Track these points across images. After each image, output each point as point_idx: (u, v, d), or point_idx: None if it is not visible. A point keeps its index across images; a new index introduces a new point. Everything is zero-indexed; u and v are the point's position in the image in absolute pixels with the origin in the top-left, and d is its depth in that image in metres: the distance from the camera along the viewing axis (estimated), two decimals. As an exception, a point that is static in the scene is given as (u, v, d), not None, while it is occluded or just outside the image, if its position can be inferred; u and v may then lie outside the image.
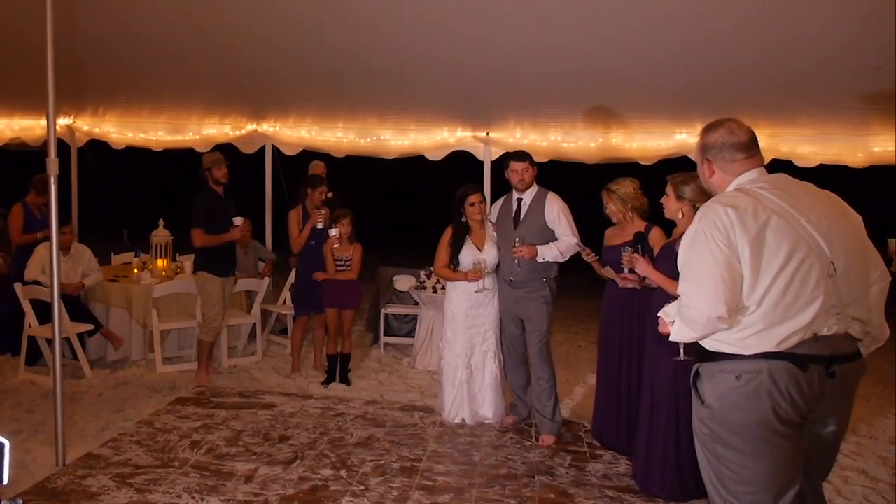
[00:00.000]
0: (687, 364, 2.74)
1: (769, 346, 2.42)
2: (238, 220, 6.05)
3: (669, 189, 4.18)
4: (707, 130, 2.73)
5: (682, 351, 2.87)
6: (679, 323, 2.57)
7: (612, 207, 4.77)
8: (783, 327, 2.41)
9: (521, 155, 5.17)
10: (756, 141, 2.67)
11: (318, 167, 7.54)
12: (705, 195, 4.06)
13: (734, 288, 2.41)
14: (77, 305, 6.47)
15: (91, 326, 6.43)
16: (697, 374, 2.62)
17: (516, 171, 5.11)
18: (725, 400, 2.50)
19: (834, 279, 2.44)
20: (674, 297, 3.93)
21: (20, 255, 6.73)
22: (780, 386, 2.41)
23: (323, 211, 6.24)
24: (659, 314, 2.76)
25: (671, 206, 4.17)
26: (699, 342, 2.57)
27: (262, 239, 8.51)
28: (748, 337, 2.44)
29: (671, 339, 2.66)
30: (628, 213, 4.74)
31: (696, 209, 4.07)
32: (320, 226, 6.22)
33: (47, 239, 6.21)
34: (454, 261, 5.21)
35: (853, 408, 2.67)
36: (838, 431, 2.58)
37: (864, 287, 2.53)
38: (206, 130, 8.62)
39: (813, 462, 2.59)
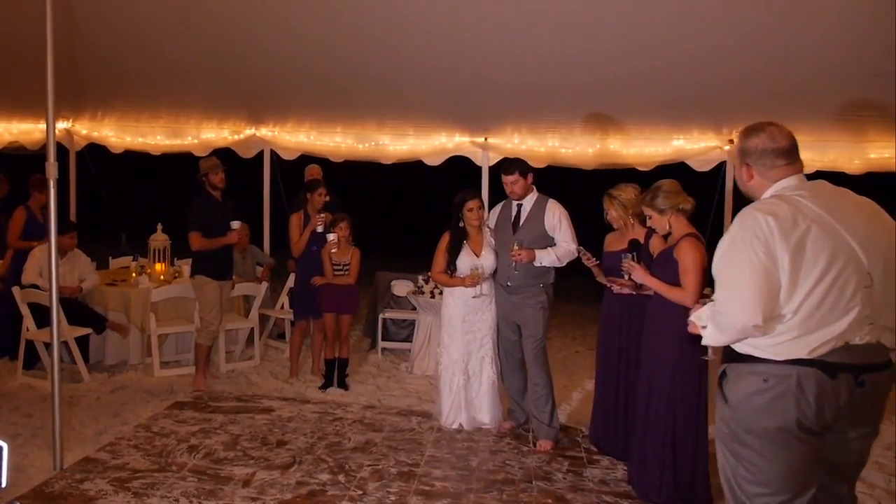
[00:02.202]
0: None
1: (801, 353, 2.42)
2: (235, 224, 6.06)
3: (647, 211, 4.24)
4: (748, 134, 2.68)
5: (710, 351, 2.88)
6: (712, 328, 2.57)
7: (612, 213, 4.79)
8: (816, 335, 2.41)
9: (509, 168, 5.10)
10: (797, 147, 2.64)
11: (313, 171, 7.55)
12: (676, 197, 4.12)
13: (771, 297, 2.40)
14: (77, 308, 6.47)
15: (89, 330, 6.43)
16: (724, 374, 2.62)
17: (505, 183, 5.11)
18: (749, 402, 2.50)
19: (870, 289, 2.43)
20: (670, 302, 3.99)
21: (16, 259, 6.71)
22: (806, 393, 2.42)
23: (323, 215, 6.25)
24: (691, 317, 2.76)
25: (658, 223, 4.22)
26: (732, 346, 2.58)
27: (260, 244, 8.51)
28: (781, 343, 2.44)
29: (704, 342, 2.66)
30: (629, 220, 4.75)
31: (680, 211, 4.12)
32: (320, 229, 6.23)
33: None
34: (451, 266, 5.22)
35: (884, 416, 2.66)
36: (866, 440, 2.57)
37: None
38: (204, 135, 8.62)
39: (838, 470, 2.58)
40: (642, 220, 4.77)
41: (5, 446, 1.83)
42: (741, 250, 2.45)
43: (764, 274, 2.40)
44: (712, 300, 2.60)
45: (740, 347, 2.55)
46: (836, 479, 2.62)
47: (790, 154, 2.62)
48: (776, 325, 2.44)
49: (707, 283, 3.99)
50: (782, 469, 2.48)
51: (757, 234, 2.42)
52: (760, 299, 2.39)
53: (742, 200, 2.75)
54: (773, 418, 2.45)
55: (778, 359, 2.45)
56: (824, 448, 2.55)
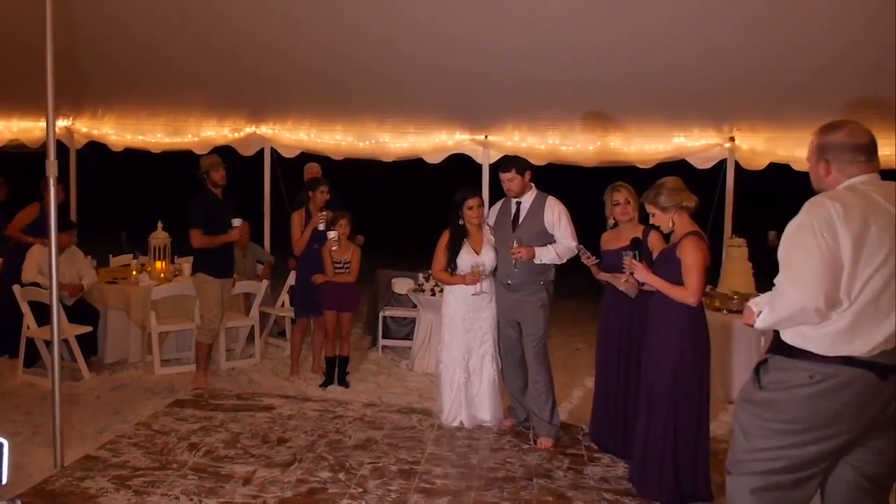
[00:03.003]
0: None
1: (853, 350, 2.43)
2: (236, 222, 6.05)
3: (650, 209, 4.22)
4: (827, 131, 2.68)
5: (762, 345, 2.90)
6: (768, 311, 2.57)
7: (623, 200, 4.78)
8: (869, 333, 2.42)
9: (506, 165, 5.12)
10: (876, 145, 2.65)
11: (312, 169, 7.55)
12: (680, 194, 4.11)
13: (835, 281, 2.41)
14: (78, 306, 6.47)
15: (90, 328, 6.43)
16: (766, 362, 2.63)
17: (503, 181, 5.12)
18: (789, 393, 2.51)
19: None
20: (672, 301, 3.99)
21: (13, 255, 6.70)
22: (852, 393, 2.43)
23: (325, 213, 6.25)
24: (749, 304, 2.77)
25: (661, 220, 4.20)
26: (780, 337, 2.58)
27: (260, 242, 8.51)
28: (832, 335, 2.45)
29: (756, 326, 2.66)
30: (636, 214, 4.77)
31: (683, 209, 4.10)
32: (321, 227, 6.23)
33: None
34: (452, 264, 5.22)
35: None
36: None
37: None
38: (204, 132, 8.62)
39: (867, 471, 2.59)
40: (643, 217, 4.77)
41: (6, 443, 1.83)
42: (807, 234, 2.46)
43: (831, 257, 2.42)
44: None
45: (790, 338, 2.54)
46: (872, 478, 2.61)
47: (870, 151, 2.62)
48: (833, 312, 2.44)
49: (710, 282, 3.98)
50: (793, 457, 2.51)
51: (825, 219, 2.44)
52: (824, 282, 2.40)
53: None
54: (813, 413, 2.46)
55: (827, 354, 2.45)
56: (856, 451, 2.55)
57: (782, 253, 2.55)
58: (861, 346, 2.42)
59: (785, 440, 2.52)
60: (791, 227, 2.55)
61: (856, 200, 2.48)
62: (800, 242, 2.49)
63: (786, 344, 2.56)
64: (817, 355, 2.47)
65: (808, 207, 2.53)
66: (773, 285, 2.59)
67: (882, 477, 2.64)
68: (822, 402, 2.45)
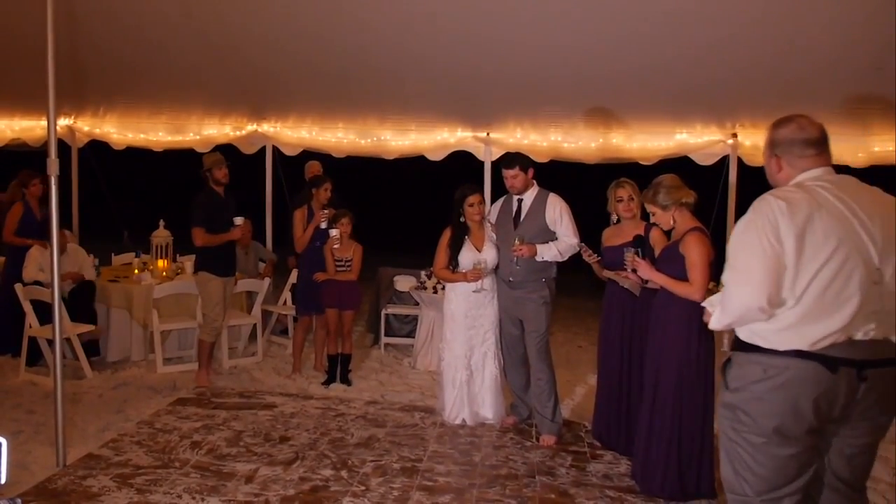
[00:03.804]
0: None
1: (802, 344, 2.43)
2: (239, 220, 6.04)
3: (650, 208, 4.21)
4: (777, 126, 2.70)
5: (725, 342, 2.93)
6: (719, 311, 2.60)
7: (627, 196, 4.78)
8: (818, 326, 2.42)
9: (510, 162, 5.10)
10: (827, 139, 2.65)
11: (314, 167, 7.54)
12: (678, 192, 4.10)
13: (777, 280, 2.42)
14: (79, 304, 6.47)
15: (92, 327, 6.44)
16: (729, 360, 2.65)
17: (506, 177, 5.11)
18: (748, 390, 2.53)
19: (878, 287, 2.44)
20: (677, 298, 3.98)
21: (14, 255, 6.70)
22: (805, 386, 2.43)
23: (327, 211, 6.25)
24: (703, 304, 2.80)
25: (662, 218, 4.19)
26: (737, 334, 2.60)
27: (262, 240, 8.51)
28: (782, 331, 2.46)
29: (710, 326, 2.69)
30: (638, 210, 4.76)
31: (683, 205, 4.09)
32: (324, 225, 6.22)
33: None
34: (453, 262, 5.21)
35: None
36: (869, 437, 2.57)
37: None
38: (206, 131, 8.62)
39: (843, 468, 2.58)
40: (644, 214, 4.77)
41: (5, 442, 1.82)
42: (751, 233, 2.47)
43: (771, 256, 2.42)
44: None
45: (745, 335, 2.56)
46: (844, 477, 2.60)
47: (819, 145, 2.62)
48: (779, 310, 2.45)
49: (713, 278, 3.97)
50: (777, 459, 2.49)
51: (768, 218, 2.45)
52: (766, 281, 2.42)
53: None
54: (770, 408, 2.47)
55: (779, 349, 2.46)
56: (827, 444, 2.55)
57: (729, 251, 2.58)
58: (810, 340, 2.42)
59: (760, 450, 2.52)
60: (739, 226, 2.58)
61: (801, 197, 2.49)
62: (744, 241, 2.51)
63: (742, 341, 2.59)
64: (769, 350, 2.48)
65: (754, 206, 2.55)
66: (722, 284, 2.62)
67: (854, 480, 2.64)
68: (778, 398, 2.46)
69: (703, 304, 2.80)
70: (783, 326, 2.45)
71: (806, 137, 2.61)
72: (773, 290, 2.41)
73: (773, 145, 2.69)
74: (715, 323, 2.65)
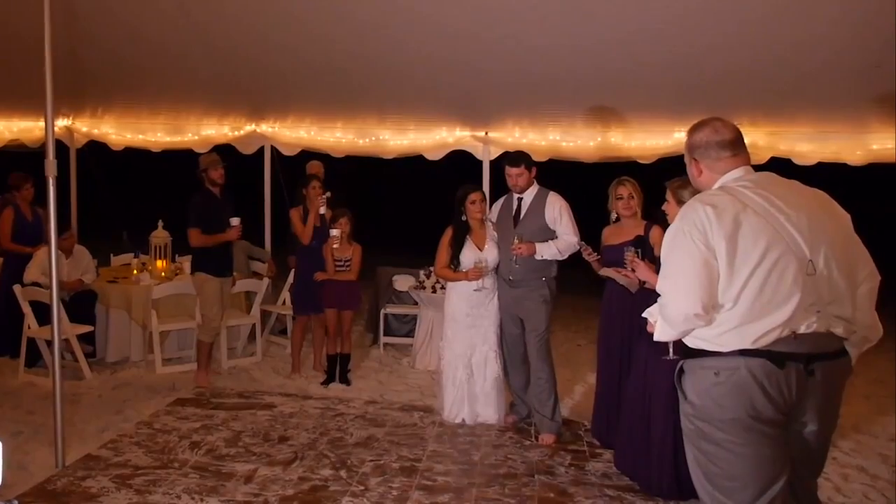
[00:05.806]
0: (675, 363, 2.75)
1: (745, 343, 2.43)
2: (235, 221, 6.04)
3: (669, 196, 4.17)
4: (693, 130, 2.75)
5: (671, 350, 2.90)
6: (661, 322, 2.61)
7: (629, 194, 4.77)
8: (759, 324, 2.42)
9: (515, 160, 5.12)
10: (742, 139, 2.68)
11: (314, 167, 7.53)
12: None
13: (710, 286, 2.44)
14: (79, 306, 6.47)
15: (91, 328, 6.43)
16: (682, 370, 2.64)
17: (510, 175, 5.11)
18: (706, 396, 2.52)
19: (813, 278, 2.44)
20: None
21: (14, 257, 6.69)
22: (757, 383, 2.43)
23: (327, 195, 6.25)
24: (644, 314, 2.80)
25: (672, 209, 4.16)
26: (683, 341, 2.59)
27: (261, 240, 8.49)
28: (724, 333, 2.46)
29: (655, 338, 2.69)
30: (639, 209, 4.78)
31: None
32: (322, 210, 6.23)
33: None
34: (455, 261, 5.21)
35: (842, 406, 2.67)
36: (822, 431, 2.58)
37: (850, 286, 2.52)
38: (204, 131, 8.60)
39: (799, 461, 2.58)
40: (646, 212, 4.76)
41: (0, 444, 1.82)
42: (681, 241, 2.50)
43: (703, 263, 2.44)
44: None
45: (691, 342, 2.56)
46: (799, 470, 2.60)
47: (734, 146, 2.65)
48: (717, 314, 2.46)
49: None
50: (749, 461, 2.48)
51: (696, 225, 2.47)
52: (699, 288, 2.43)
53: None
54: (731, 410, 2.46)
55: (725, 350, 2.46)
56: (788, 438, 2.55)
57: (662, 260, 2.60)
58: (752, 338, 2.42)
59: (734, 453, 2.49)
60: (668, 234, 2.59)
61: (727, 199, 2.50)
62: (675, 249, 2.53)
63: (689, 347, 2.59)
64: (717, 353, 2.49)
65: (682, 212, 2.56)
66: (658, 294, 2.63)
67: (810, 475, 2.68)
68: (734, 398, 2.45)
69: (643, 315, 2.79)
70: (724, 330, 2.46)
71: (720, 139, 2.65)
72: (706, 297, 2.43)
73: (690, 150, 2.74)
74: (659, 334, 2.64)
